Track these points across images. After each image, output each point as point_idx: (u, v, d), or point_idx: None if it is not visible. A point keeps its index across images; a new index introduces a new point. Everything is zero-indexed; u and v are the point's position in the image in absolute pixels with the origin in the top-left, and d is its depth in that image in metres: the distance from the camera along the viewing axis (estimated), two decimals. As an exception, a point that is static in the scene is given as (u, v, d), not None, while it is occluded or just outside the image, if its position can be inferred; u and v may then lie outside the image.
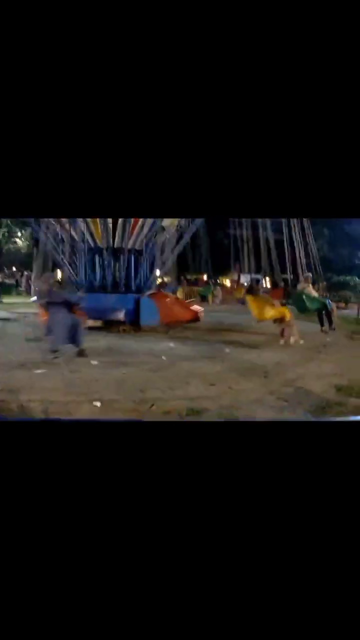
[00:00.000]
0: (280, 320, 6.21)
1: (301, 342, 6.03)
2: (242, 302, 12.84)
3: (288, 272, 9.77)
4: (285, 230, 9.33)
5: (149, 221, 7.95)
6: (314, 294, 7.28)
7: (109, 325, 7.50)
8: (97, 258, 8.25)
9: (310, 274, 8.17)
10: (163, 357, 4.98)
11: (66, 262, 8.67)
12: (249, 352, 5.55)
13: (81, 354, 4.72)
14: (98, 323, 7.56)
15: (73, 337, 4.73)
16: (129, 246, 8.12)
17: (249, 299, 6.86)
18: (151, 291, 7.81)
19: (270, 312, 6.29)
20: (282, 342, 6.00)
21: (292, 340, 5.96)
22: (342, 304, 11.90)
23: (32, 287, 13.28)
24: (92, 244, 8.19)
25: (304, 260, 8.75)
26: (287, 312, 6.33)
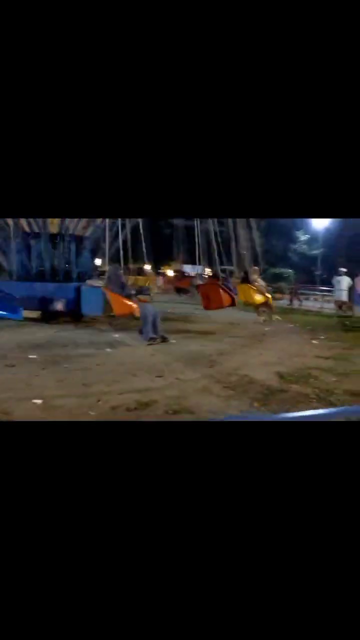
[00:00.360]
0: (264, 304, 7.64)
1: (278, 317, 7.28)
2: (184, 291, 12.99)
3: (234, 264, 10.03)
4: (229, 222, 9.52)
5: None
6: (263, 284, 7.71)
7: (48, 317, 7.09)
8: (32, 244, 7.69)
9: (256, 267, 8.59)
10: (107, 349, 4.82)
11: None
12: (194, 342, 5.60)
13: (164, 339, 5.27)
14: (35, 314, 7.11)
15: (155, 325, 5.26)
16: (69, 232, 7.70)
17: (242, 287, 7.45)
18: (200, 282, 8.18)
19: (258, 298, 7.47)
20: (261, 320, 7.43)
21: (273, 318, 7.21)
22: (278, 295, 12.55)
23: None
24: (27, 229, 7.60)
25: (248, 252, 9.03)
26: (270, 298, 7.82)
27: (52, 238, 7.65)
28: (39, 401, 2.90)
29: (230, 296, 6.67)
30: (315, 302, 12.52)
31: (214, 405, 2.97)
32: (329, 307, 10.94)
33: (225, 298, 6.60)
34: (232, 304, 6.75)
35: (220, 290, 6.62)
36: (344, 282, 10.33)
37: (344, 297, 10.30)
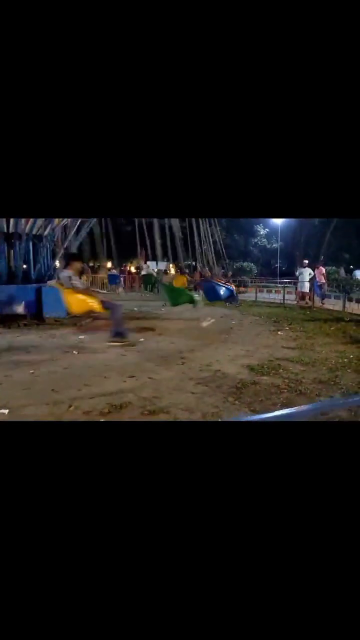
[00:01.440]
0: None
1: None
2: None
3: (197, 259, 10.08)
4: (190, 219, 9.55)
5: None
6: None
7: (7, 320, 6.75)
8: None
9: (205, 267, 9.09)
10: (74, 352, 4.66)
11: None
12: (163, 339, 5.56)
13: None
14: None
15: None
16: (26, 231, 7.35)
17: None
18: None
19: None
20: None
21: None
22: (242, 288, 12.80)
23: None
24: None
25: (211, 248, 9.15)
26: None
27: (8, 238, 7.27)
28: (5, 411, 2.74)
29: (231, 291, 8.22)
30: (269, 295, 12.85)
31: (190, 403, 2.95)
32: (284, 299, 11.28)
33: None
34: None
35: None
36: (306, 273, 10.74)
37: (306, 288, 10.71)
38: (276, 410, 2.78)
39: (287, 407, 2.86)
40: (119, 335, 4.96)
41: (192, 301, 7.34)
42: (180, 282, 8.46)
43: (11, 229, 7.18)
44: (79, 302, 4.94)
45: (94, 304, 4.90)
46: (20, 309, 6.85)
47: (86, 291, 5.12)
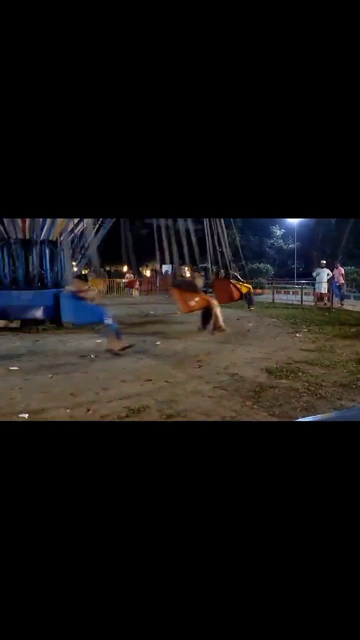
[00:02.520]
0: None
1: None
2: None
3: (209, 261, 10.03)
4: (205, 220, 9.53)
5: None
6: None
7: (26, 326, 6.88)
8: (4, 251, 7.43)
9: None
10: (92, 356, 4.70)
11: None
12: (179, 343, 5.55)
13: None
14: (15, 324, 6.89)
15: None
16: (41, 237, 7.48)
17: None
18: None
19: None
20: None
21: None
22: (259, 290, 12.67)
23: None
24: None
25: (227, 250, 9.09)
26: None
27: (25, 244, 7.42)
28: (25, 415, 2.78)
29: (239, 291, 8.13)
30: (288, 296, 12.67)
31: (207, 407, 2.93)
32: (304, 300, 11.10)
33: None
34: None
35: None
36: (324, 274, 10.53)
37: (324, 289, 10.50)
38: (297, 415, 2.73)
39: (307, 412, 2.80)
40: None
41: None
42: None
43: (27, 235, 7.32)
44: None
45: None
46: (39, 313, 6.97)
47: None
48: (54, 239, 7.76)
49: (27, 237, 7.37)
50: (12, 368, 4.15)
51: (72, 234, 8.10)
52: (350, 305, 10.12)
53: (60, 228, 7.60)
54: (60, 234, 7.79)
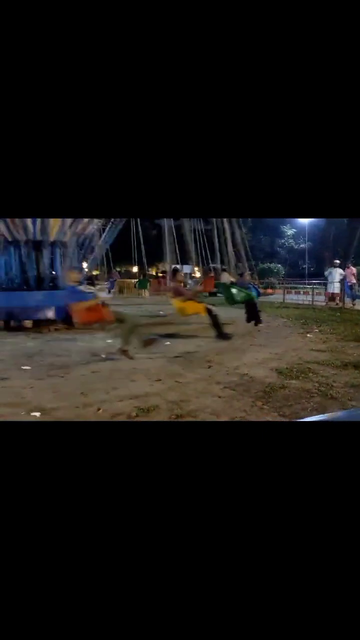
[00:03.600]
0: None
1: None
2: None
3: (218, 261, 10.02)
4: (215, 221, 9.51)
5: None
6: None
7: (38, 326, 6.97)
8: (15, 253, 7.54)
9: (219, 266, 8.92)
10: (102, 355, 4.74)
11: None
12: (189, 343, 5.56)
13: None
14: (28, 324, 6.99)
15: None
16: (52, 239, 7.56)
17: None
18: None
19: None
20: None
21: None
22: (270, 290, 12.58)
23: None
24: (8, 238, 7.43)
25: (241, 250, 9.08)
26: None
27: (36, 245, 7.51)
28: (37, 414, 2.82)
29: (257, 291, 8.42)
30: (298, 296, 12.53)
31: (217, 407, 2.93)
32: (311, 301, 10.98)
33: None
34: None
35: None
36: (336, 274, 10.39)
37: (336, 288, 10.37)
38: (307, 415, 2.71)
39: (318, 412, 2.78)
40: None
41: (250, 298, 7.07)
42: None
43: (38, 237, 7.41)
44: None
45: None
46: (50, 314, 7.06)
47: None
48: (64, 240, 7.84)
49: (38, 238, 7.46)
50: (24, 367, 4.22)
51: (83, 235, 8.17)
52: (362, 305, 9.99)
53: (55, 227, 7.58)
54: (68, 235, 7.86)
